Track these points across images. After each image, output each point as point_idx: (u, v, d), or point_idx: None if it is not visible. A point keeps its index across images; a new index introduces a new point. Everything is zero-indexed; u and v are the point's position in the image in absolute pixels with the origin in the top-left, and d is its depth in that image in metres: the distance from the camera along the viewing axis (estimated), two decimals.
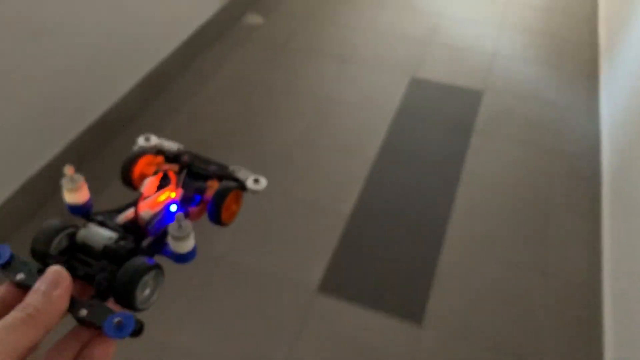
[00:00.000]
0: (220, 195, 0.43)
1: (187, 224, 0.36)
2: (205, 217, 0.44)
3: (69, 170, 0.38)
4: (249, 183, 0.45)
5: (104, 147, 1.90)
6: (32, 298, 0.30)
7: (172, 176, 0.44)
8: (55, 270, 0.32)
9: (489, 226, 1.72)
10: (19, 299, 0.32)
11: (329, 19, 2.68)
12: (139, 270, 0.34)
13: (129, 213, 0.39)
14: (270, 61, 2.38)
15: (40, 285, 0.31)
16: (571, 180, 1.89)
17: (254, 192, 0.45)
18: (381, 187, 1.83)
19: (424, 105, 2.18)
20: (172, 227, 0.36)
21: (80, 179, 0.38)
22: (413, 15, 2.73)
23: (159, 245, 0.39)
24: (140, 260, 0.35)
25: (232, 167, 0.46)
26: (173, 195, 0.43)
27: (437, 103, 2.20)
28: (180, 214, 0.36)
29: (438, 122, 2.11)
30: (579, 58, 2.48)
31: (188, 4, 2.26)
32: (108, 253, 0.36)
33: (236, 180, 0.45)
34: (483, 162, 1.95)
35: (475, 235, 1.69)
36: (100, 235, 0.37)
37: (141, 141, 0.46)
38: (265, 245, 1.62)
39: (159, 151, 0.46)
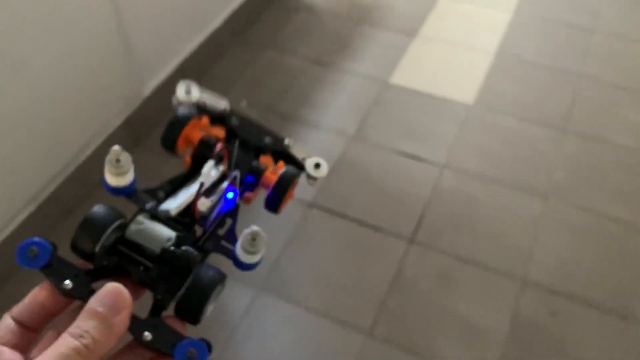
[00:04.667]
0: (284, 186, 0.38)
1: (262, 240, 0.32)
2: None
3: (115, 153, 0.32)
4: (309, 168, 0.41)
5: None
6: (89, 325, 0.26)
7: (225, 153, 0.38)
8: (115, 290, 0.27)
9: None
10: (63, 307, 0.30)
11: None
12: (212, 285, 0.30)
13: (184, 203, 0.34)
14: None
15: (97, 307, 0.27)
16: None
17: (312, 179, 0.41)
18: None
19: None
20: (244, 239, 0.32)
21: (128, 160, 0.33)
22: None
23: (215, 240, 0.35)
24: (211, 272, 0.31)
25: (287, 141, 0.42)
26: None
27: None
28: (258, 230, 0.32)
29: None
30: None
31: None
32: (168, 259, 0.31)
33: (292, 158, 0.41)
34: None
35: None
36: (157, 235, 0.32)
37: (181, 93, 0.41)
38: None
39: (202, 109, 0.41)
